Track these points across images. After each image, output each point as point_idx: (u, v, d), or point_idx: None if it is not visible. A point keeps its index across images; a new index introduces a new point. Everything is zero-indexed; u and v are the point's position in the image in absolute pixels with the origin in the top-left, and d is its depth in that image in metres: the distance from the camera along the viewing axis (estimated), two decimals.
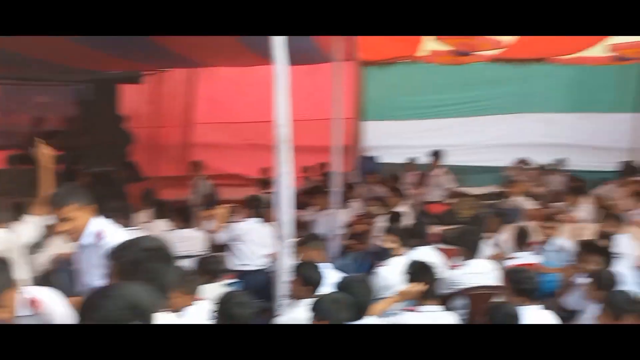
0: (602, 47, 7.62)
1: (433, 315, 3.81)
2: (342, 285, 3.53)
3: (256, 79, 9.42)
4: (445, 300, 4.80)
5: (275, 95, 3.42)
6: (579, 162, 10.67)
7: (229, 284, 4.78)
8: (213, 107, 11.74)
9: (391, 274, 4.60)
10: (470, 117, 11.48)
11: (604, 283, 4.22)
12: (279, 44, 3.43)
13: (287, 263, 3.76)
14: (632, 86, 11.34)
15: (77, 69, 8.71)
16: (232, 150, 11.74)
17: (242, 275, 5.63)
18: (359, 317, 3.35)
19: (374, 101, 11.52)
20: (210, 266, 4.79)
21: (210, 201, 8.07)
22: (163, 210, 6.62)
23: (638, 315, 3.36)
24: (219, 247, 6.09)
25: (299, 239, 4.78)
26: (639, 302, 3.76)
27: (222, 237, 5.88)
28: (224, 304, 3.21)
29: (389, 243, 5.00)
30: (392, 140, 11.22)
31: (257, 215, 5.96)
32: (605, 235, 5.72)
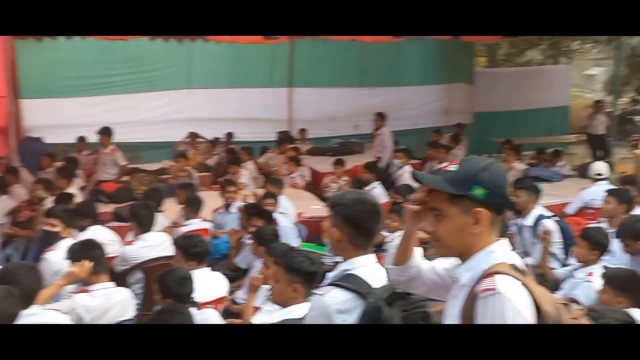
0: None
1: (105, 292, 3.79)
2: (1, 276, 3.26)
3: None
4: (122, 277, 4.81)
5: None
6: (242, 134, 11.51)
7: None
8: None
9: (61, 258, 4.40)
10: (137, 93, 11.31)
11: (264, 239, 4.71)
12: None
13: None
14: (284, 62, 12.48)
15: None
16: None
17: None
18: (27, 306, 3.17)
19: (31, 78, 10.51)
20: None
21: None
22: None
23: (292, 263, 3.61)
24: None
25: None
26: (294, 251, 4.31)
27: None
28: None
29: (52, 226, 4.76)
30: (56, 119, 10.43)
31: None
32: (267, 197, 6.37)
